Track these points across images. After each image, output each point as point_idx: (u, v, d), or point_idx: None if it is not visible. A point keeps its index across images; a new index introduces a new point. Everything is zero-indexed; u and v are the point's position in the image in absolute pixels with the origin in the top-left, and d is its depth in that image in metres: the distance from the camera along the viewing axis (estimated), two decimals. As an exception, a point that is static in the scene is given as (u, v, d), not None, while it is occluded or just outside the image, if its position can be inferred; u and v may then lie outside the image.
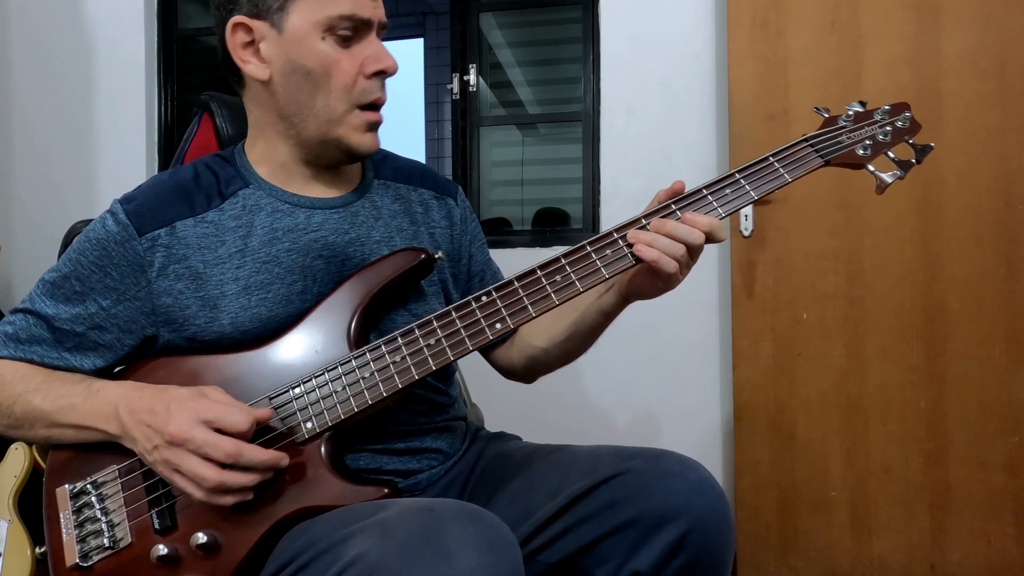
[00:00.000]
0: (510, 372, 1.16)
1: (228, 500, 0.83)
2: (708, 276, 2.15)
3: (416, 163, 1.15)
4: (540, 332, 1.09)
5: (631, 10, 2.22)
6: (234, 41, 0.95)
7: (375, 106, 0.98)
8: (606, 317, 1.01)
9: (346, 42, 0.95)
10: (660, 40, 2.20)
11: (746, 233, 1.98)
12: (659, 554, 0.84)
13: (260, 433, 0.87)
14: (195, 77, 2.60)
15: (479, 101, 2.45)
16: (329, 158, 1.00)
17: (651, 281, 0.93)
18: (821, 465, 1.95)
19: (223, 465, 0.82)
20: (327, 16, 0.93)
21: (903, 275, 1.90)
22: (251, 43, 0.95)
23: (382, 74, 0.98)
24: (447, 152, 2.70)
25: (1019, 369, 1.83)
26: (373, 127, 0.99)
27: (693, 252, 0.90)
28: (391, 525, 0.72)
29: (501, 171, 2.68)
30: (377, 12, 0.97)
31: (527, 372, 1.14)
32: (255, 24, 0.94)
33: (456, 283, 1.11)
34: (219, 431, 0.83)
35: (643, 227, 0.91)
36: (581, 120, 2.34)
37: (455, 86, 2.44)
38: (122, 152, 2.48)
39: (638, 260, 0.89)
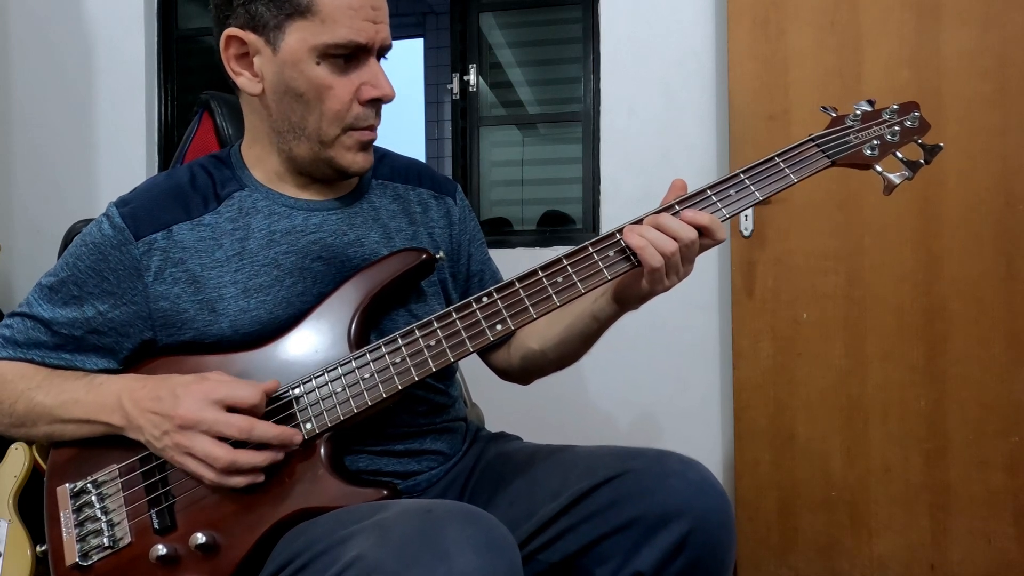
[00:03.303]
0: (507, 374, 1.16)
1: (239, 481, 0.83)
2: (708, 276, 2.15)
3: (414, 162, 1.14)
4: (535, 334, 1.08)
5: (631, 10, 2.22)
6: (227, 52, 0.94)
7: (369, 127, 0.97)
8: (598, 323, 1.00)
9: (343, 66, 0.92)
10: (660, 40, 2.19)
11: (746, 233, 1.98)
12: (661, 554, 0.84)
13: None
14: (195, 77, 2.59)
15: (479, 101, 2.45)
16: (321, 174, 0.99)
17: (636, 280, 0.91)
18: (821, 465, 1.95)
19: (235, 445, 0.83)
20: (323, 43, 0.89)
21: (903, 275, 1.89)
22: (245, 55, 0.94)
23: (377, 102, 0.95)
24: (447, 152, 2.70)
25: (1019, 369, 1.83)
26: (365, 146, 0.97)
27: (686, 252, 0.88)
28: (389, 526, 0.72)
29: (501, 171, 2.67)
30: (378, 36, 0.93)
31: (523, 374, 1.13)
32: (250, 38, 0.92)
33: (455, 283, 1.11)
34: (230, 410, 0.83)
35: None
36: (581, 120, 2.34)
37: (455, 86, 2.44)
38: (122, 152, 2.48)
39: (640, 263, 0.88)
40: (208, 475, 0.83)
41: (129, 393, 0.87)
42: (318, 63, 0.91)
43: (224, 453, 0.82)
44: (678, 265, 0.88)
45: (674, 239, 0.87)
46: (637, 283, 0.91)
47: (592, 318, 1.00)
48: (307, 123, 0.94)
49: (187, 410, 0.83)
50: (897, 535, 1.90)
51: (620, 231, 0.90)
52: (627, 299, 0.95)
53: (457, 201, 1.13)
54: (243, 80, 0.94)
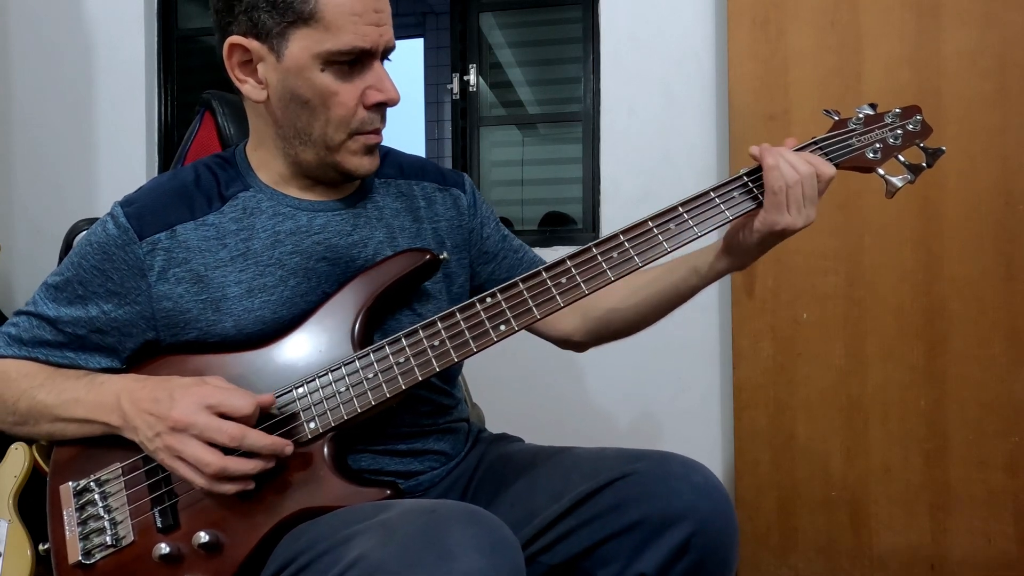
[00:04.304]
0: (566, 341, 1.16)
1: (230, 488, 0.83)
2: (708, 276, 2.14)
3: (418, 158, 1.14)
4: (615, 295, 1.08)
5: (631, 10, 2.22)
6: (231, 60, 0.94)
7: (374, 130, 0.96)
8: (700, 277, 1.02)
9: (347, 72, 0.91)
10: (660, 40, 2.19)
11: (746, 233, 1.98)
12: (664, 556, 0.85)
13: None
14: (195, 77, 2.59)
15: (479, 101, 2.44)
16: (327, 178, 1.00)
17: (777, 208, 0.92)
18: (821, 465, 1.95)
19: (226, 452, 0.82)
20: (327, 50, 0.89)
21: (903, 275, 1.90)
22: (249, 62, 0.93)
23: (383, 106, 0.95)
24: (447, 152, 2.70)
25: (1019, 369, 1.83)
26: (371, 150, 0.97)
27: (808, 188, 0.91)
28: (392, 526, 0.72)
29: (501, 171, 2.67)
30: (382, 39, 0.92)
31: (587, 340, 1.14)
32: (253, 45, 0.91)
33: (473, 270, 1.11)
34: (223, 417, 0.83)
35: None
36: (581, 120, 2.34)
37: (455, 86, 2.44)
38: (122, 152, 2.47)
39: (644, 264, 0.89)
40: (198, 480, 0.83)
41: (128, 393, 0.87)
42: (323, 70, 0.90)
43: (214, 459, 0.82)
44: (807, 196, 0.91)
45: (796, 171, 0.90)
46: (750, 225, 0.92)
47: (693, 271, 1.02)
48: (313, 129, 0.94)
49: (180, 413, 0.83)
50: (897, 535, 1.90)
51: (627, 234, 0.91)
52: (738, 248, 0.97)
53: (466, 189, 1.12)
54: (248, 88, 0.94)
